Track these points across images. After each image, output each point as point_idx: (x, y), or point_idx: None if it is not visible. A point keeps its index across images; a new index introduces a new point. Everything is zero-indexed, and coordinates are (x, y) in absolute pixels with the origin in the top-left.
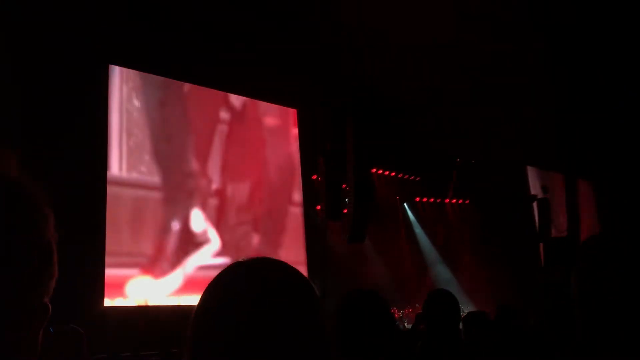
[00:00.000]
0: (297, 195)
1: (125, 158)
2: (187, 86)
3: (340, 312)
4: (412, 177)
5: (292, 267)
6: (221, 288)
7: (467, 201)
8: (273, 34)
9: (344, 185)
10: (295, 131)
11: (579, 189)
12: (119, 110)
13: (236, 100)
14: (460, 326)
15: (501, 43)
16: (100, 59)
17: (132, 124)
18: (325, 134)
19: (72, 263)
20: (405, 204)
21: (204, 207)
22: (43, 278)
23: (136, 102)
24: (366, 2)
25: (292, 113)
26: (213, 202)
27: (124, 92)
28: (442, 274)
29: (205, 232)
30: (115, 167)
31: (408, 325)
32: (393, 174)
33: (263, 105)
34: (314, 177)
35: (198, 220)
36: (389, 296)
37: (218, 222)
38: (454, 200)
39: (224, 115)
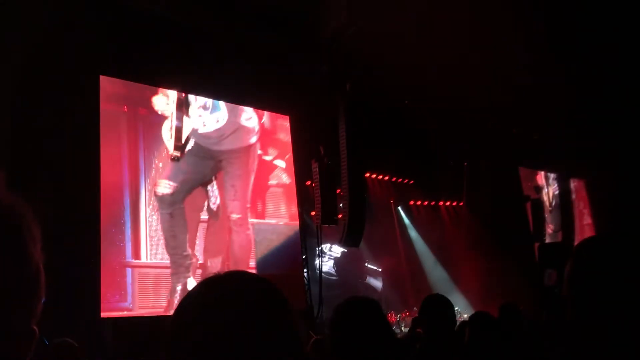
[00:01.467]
0: (253, 262)
1: (149, 250)
2: (187, 201)
3: (336, 320)
4: (406, 181)
5: (261, 277)
6: (190, 296)
7: (461, 203)
8: (268, 39)
9: (338, 190)
10: (251, 220)
11: (572, 190)
12: (144, 222)
13: (213, 205)
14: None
15: (499, 41)
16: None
17: (152, 230)
18: (319, 139)
19: (69, 272)
20: (399, 207)
21: (195, 276)
22: (30, 302)
23: (155, 217)
24: (362, 5)
25: (246, 209)
26: (199, 272)
27: (147, 212)
28: (439, 277)
29: None
30: (144, 257)
31: (405, 329)
32: (387, 177)
33: (231, 205)
34: (308, 182)
35: (192, 285)
36: (386, 300)
37: None
38: (448, 203)
39: (204, 216)
